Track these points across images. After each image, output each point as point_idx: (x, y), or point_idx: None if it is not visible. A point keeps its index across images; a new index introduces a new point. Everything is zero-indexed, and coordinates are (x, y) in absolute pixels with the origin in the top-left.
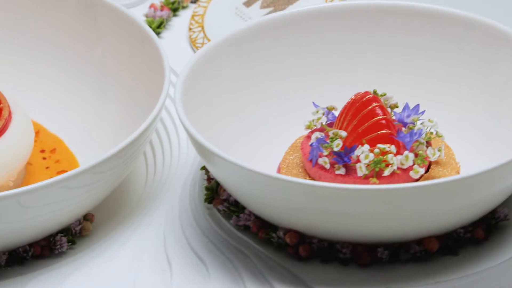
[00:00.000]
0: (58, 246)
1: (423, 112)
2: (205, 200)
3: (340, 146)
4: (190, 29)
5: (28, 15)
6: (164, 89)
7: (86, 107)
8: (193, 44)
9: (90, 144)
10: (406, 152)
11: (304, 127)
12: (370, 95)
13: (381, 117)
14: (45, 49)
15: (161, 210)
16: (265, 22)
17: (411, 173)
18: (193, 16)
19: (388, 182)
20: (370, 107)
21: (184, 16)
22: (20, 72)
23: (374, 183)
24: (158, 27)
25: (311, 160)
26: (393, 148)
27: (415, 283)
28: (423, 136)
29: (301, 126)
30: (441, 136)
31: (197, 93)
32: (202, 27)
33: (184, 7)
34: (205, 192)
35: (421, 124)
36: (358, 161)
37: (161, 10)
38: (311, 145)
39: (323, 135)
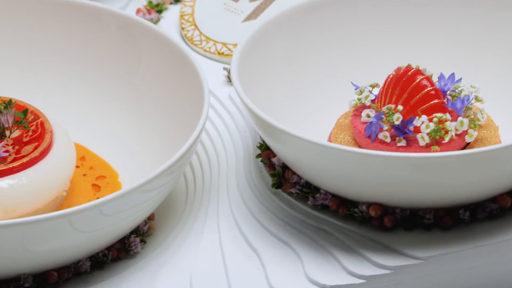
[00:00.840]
0: (133, 247)
1: (459, 80)
2: (273, 186)
3: (401, 119)
4: (183, 28)
5: (70, 38)
6: (205, 110)
7: (126, 126)
8: (191, 42)
9: (131, 162)
10: (460, 118)
11: (350, 106)
12: (413, 69)
13: (430, 88)
14: (87, 71)
15: (224, 201)
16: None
17: (467, 137)
18: (182, 16)
19: (446, 148)
20: (417, 80)
21: (168, 17)
22: (61, 93)
23: (436, 151)
24: None
25: (369, 136)
26: (448, 116)
27: (497, 239)
28: (471, 101)
29: (339, 104)
30: (481, 100)
31: (250, 70)
32: (195, 25)
33: (164, 9)
34: (272, 178)
35: (460, 91)
36: (418, 131)
37: (149, 13)
38: (371, 121)
39: (374, 111)
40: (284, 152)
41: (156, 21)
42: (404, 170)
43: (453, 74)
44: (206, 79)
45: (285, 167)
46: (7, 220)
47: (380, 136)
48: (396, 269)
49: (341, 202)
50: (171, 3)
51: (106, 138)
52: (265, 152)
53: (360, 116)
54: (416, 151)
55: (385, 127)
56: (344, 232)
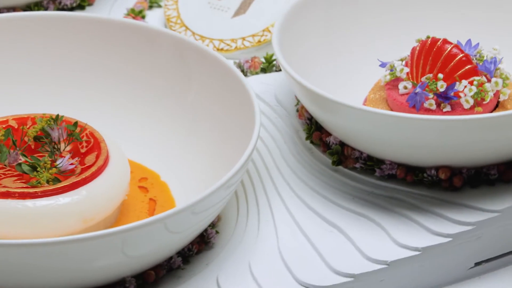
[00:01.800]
0: (212, 238)
1: (477, 45)
2: (333, 163)
3: (445, 86)
4: (173, 31)
5: (125, 59)
6: (256, 128)
7: (179, 143)
8: None
9: (184, 177)
10: (494, 79)
11: (383, 81)
12: (440, 39)
13: (462, 55)
14: (141, 90)
15: (282, 185)
16: None
17: (501, 95)
18: (168, 19)
19: (485, 108)
20: (448, 49)
21: (151, 22)
22: (116, 111)
23: (479, 112)
24: None
25: (413, 106)
26: (484, 78)
27: None
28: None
29: (366, 75)
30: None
31: (290, 40)
32: (186, 26)
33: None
34: (331, 156)
35: (482, 55)
36: (457, 96)
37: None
38: (416, 92)
39: (410, 83)
40: (347, 128)
41: None
42: (475, 131)
43: (469, 40)
44: (254, 94)
45: (342, 144)
46: (107, 229)
47: (426, 104)
48: (477, 224)
49: (407, 170)
50: (147, 10)
51: (147, 145)
52: (316, 133)
53: (395, 89)
54: (459, 114)
55: (431, 96)
56: (415, 197)
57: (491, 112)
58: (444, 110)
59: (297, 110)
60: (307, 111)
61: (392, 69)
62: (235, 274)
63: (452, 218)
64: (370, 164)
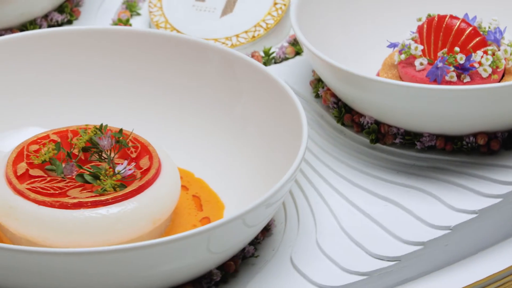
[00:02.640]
0: (272, 225)
1: (474, 18)
2: (371, 142)
3: (464, 58)
4: None
5: (176, 72)
6: (303, 141)
7: (228, 153)
8: None
9: (232, 186)
10: (503, 47)
11: (397, 60)
12: (447, 16)
13: (470, 28)
14: (191, 101)
15: (321, 168)
16: None
17: (510, 62)
18: (157, 25)
19: (500, 75)
20: (457, 23)
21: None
22: (167, 122)
23: (495, 80)
24: None
25: (434, 80)
26: (495, 47)
27: None
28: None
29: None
30: None
31: (308, 15)
32: (177, 30)
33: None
34: (369, 135)
35: (484, 27)
36: (474, 66)
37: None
38: (437, 66)
39: (425, 59)
40: (385, 105)
41: None
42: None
43: (466, 14)
44: (300, 105)
45: (377, 123)
46: (194, 229)
47: (447, 77)
48: None
49: (446, 139)
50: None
51: (211, 166)
52: (347, 115)
53: (409, 67)
54: (480, 83)
55: (451, 69)
56: (457, 164)
57: (501, 78)
58: (465, 80)
59: (317, 96)
60: (332, 95)
61: (404, 48)
62: (307, 254)
63: (497, 179)
64: (409, 139)
